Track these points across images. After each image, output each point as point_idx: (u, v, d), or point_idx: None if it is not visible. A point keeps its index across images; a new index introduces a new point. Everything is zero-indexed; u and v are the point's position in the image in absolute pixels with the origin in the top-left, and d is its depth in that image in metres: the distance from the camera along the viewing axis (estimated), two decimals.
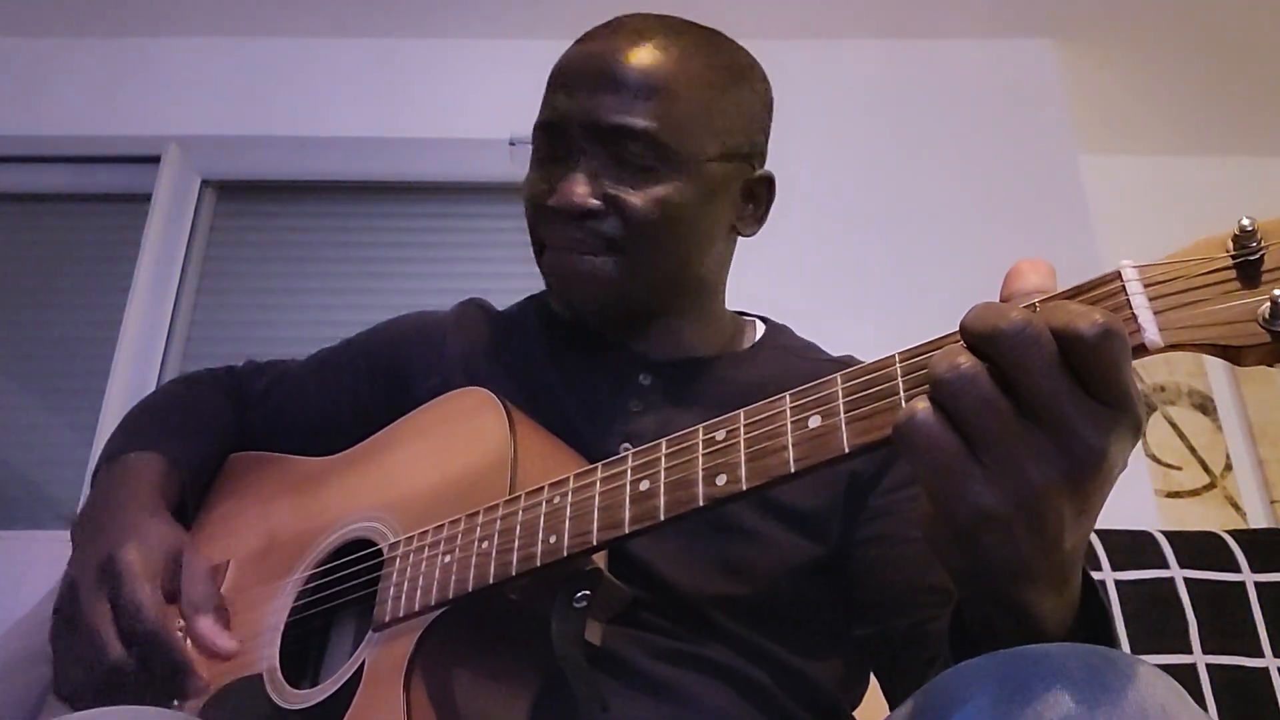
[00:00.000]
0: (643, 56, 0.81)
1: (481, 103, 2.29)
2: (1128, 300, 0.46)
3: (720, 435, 0.58)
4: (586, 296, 0.83)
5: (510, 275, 2.21)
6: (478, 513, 0.69)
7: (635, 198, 0.80)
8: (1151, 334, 0.46)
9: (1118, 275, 0.47)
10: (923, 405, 0.45)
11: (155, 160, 2.29)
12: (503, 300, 1.02)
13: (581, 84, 0.80)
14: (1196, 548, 1.49)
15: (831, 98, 2.32)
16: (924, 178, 2.23)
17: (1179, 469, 2.26)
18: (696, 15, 0.87)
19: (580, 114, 0.80)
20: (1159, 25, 2.28)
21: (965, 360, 0.45)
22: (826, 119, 2.29)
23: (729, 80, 0.85)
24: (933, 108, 2.31)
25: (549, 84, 0.84)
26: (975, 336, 0.45)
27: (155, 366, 2.17)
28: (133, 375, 2.11)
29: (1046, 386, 0.43)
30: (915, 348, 0.51)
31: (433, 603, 0.68)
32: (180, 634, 0.71)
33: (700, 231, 0.85)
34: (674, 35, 0.83)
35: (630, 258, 0.81)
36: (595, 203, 0.79)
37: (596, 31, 0.85)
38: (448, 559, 0.69)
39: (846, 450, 0.51)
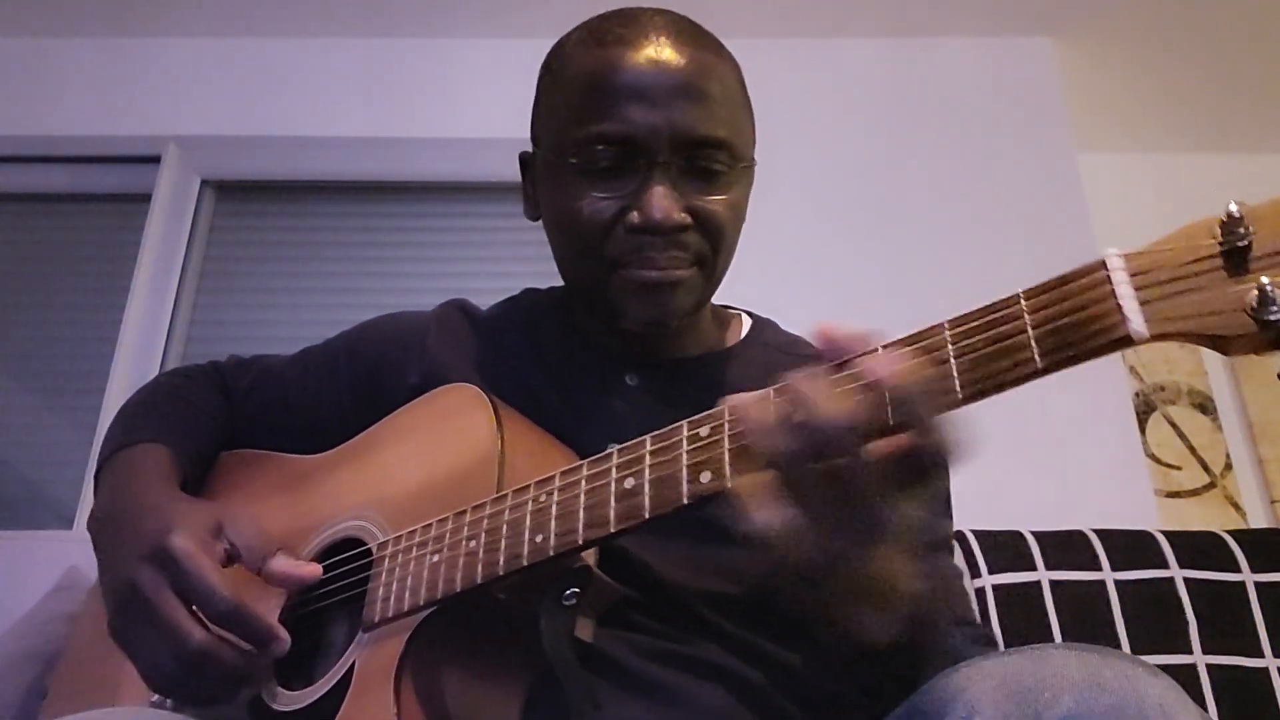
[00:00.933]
0: (700, 62, 0.80)
1: (481, 103, 2.29)
2: (1112, 290, 0.46)
3: (704, 431, 0.58)
4: (673, 312, 0.81)
5: (510, 275, 2.21)
6: (465, 511, 0.69)
7: (715, 206, 0.80)
8: (1136, 324, 0.45)
9: (1102, 265, 0.47)
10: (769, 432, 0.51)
11: (155, 160, 2.29)
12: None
13: (662, 95, 0.78)
14: (1196, 548, 1.49)
15: (832, 97, 2.32)
16: (924, 176, 2.23)
17: (1179, 469, 2.26)
18: (698, 15, 0.87)
19: (670, 127, 0.78)
20: (1159, 25, 2.27)
21: (792, 442, 0.50)
22: (827, 118, 2.29)
23: (740, 75, 0.87)
24: (932, 107, 2.31)
25: (601, 92, 0.79)
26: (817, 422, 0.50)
27: (155, 366, 2.17)
28: (133, 375, 2.11)
29: (857, 466, 0.50)
30: (896, 341, 0.53)
31: (421, 603, 0.68)
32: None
33: (742, 228, 0.87)
34: (699, 33, 0.84)
35: (711, 267, 0.82)
36: (686, 217, 0.79)
37: (628, 33, 0.81)
38: (436, 559, 0.69)
39: None
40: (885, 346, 0.53)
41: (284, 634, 0.71)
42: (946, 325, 0.51)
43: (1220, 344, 0.45)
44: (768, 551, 0.51)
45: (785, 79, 2.29)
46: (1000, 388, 0.49)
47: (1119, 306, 0.46)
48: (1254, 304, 0.43)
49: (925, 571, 0.60)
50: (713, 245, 0.81)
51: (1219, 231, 0.45)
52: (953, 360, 0.50)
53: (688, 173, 0.80)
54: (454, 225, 2.38)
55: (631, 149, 0.78)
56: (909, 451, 0.50)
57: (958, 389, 0.49)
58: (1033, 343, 0.48)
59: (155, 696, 0.73)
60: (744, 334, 0.94)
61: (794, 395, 0.51)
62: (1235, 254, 0.45)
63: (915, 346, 0.52)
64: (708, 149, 0.79)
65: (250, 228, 2.40)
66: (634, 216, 0.78)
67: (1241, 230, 0.44)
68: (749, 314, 0.97)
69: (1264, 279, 0.43)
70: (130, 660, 0.71)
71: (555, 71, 0.86)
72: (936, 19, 2.33)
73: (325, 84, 2.35)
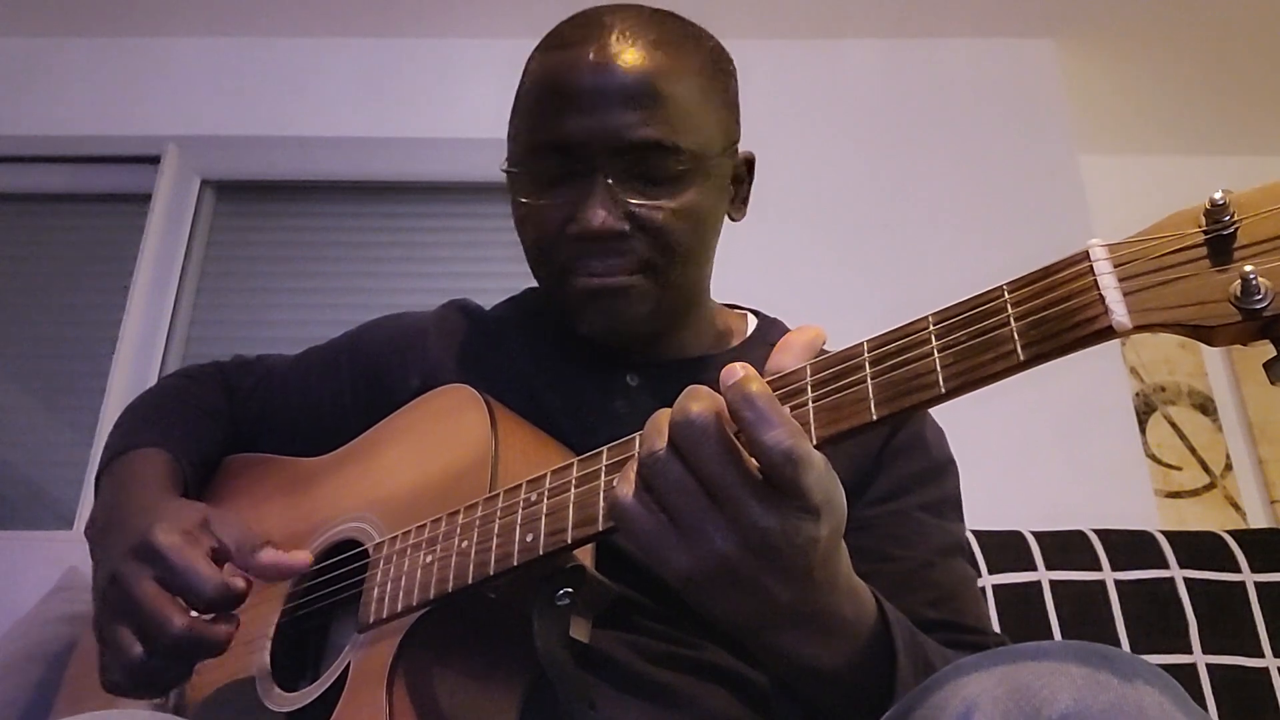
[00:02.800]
0: (647, 61, 0.78)
1: (481, 103, 2.29)
2: (1095, 281, 0.45)
3: None
4: (625, 319, 0.80)
5: (510, 275, 2.20)
6: (458, 511, 0.69)
7: (660, 212, 0.78)
8: (1119, 315, 0.44)
9: (1086, 255, 0.47)
10: (625, 489, 0.53)
11: (155, 160, 2.29)
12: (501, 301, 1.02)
13: (596, 100, 0.76)
14: (1196, 548, 1.49)
15: (831, 98, 2.32)
16: (924, 178, 2.22)
17: (1179, 469, 2.25)
18: (697, 15, 0.87)
19: (604, 133, 0.76)
20: (1159, 25, 2.27)
21: (660, 445, 0.52)
22: (826, 119, 2.29)
23: (715, 68, 0.84)
24: (933, 108, 2.30)
25: (543, 99, 0.79)
26: (669, 423, 0.52)
27: (155, 366, 2.17)
28: (133, 375, 2.11)
29: (713, 473, 0.50)
30: (880, 336, 0.53)
31: (415, 603, 0.68)
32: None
33: (713, 229, 0.85)
34: (659, 29, 0.81)
35: (663, 273, 0.80)
36: (622, 225, 0.77)
37: (577, 35, 0.80)
38: (429, 559, 0.68)
39: (814, 441, 0.52)
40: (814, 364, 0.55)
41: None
42: (930, 318, 0.51)
43: (1204, 334, 0.44)
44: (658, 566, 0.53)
45: (785, 80, 2.29)
46: (983, 381, 0.48)
47: (1101, 297, 0.45)
48: (1238, 293, 0.42)
49: (866, 594, 0.61)
50: (661, 250, 0.79)
51: (1203, 220, 0.44)
52: (936, 354, 0.49)
53: (631, 177, 0.78)
54: (454, 225, 2.38)
55: (567, 157, 0.78)
56: (758, 463, 0.50)
57: (940, 383, 0.49)
58: (1015, 335, 0.47)
59: (158, 699, 0.72)
60: (749, 334, 0.93)
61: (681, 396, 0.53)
62: (1219, 242, 0.44)
63: (900, 341, 0.51)
64: (649, 153, 0.77)
65: (250, 228, 2.40)
66: (572, 226, 0.78)
67: (1226, 219, 0.43)
68: (755, 314, 0.97)
69: (1248, 267, 0.42)
70: (101, 654, 0.71)
71: (520, 82, 0.85)
72: (937, 20, 2.32)
73: (325, 84, 2.35)
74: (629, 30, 0.79)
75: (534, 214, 0.81)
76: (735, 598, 0.53)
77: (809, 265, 2.10)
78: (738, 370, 0.51)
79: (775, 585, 0.53)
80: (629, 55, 0.78)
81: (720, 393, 0.52)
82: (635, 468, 0.54)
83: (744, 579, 0.52)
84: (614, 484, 0.55)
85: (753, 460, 0.51)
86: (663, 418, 0.53)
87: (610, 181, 0.77)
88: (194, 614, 0.68)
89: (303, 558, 0.74)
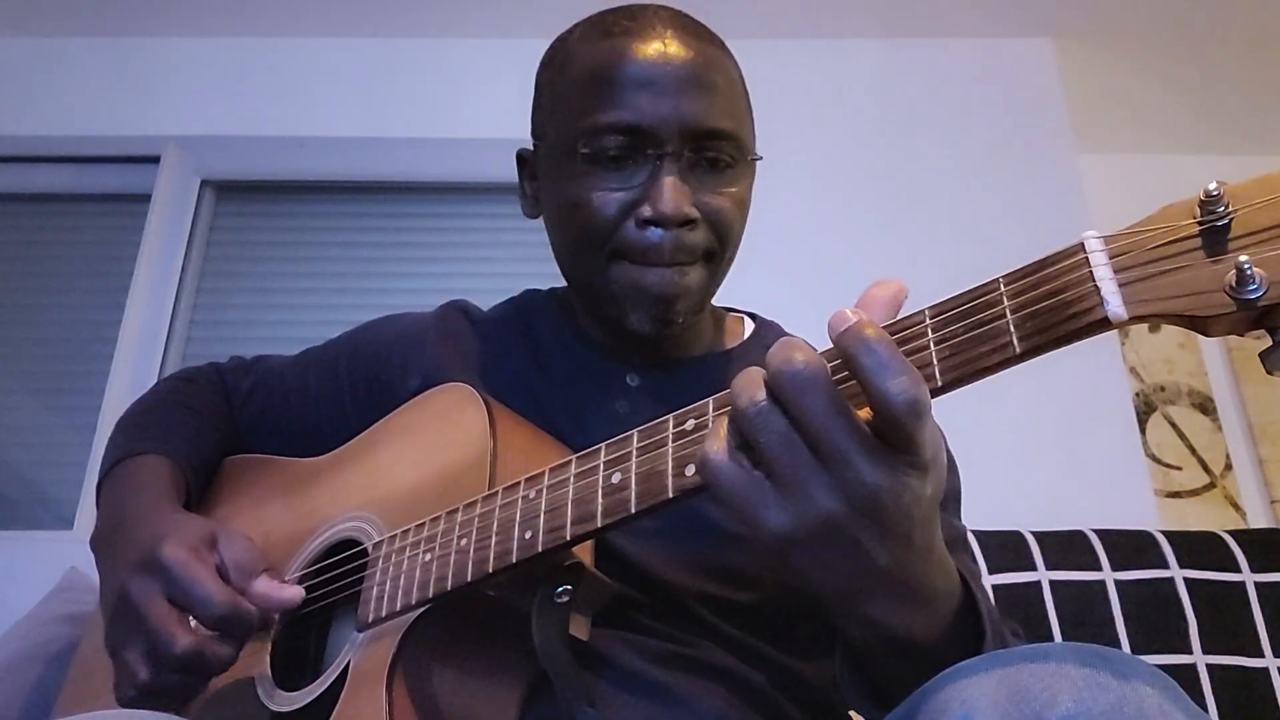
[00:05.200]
0: (709, 54, 0.80)
1: (481, 103, 2.29)
2: (1091, 272, 0.46)
3: (690, 425, 0.57)
4: (678, 309, 0.80)
5: (510, 275, 2.21)
6: (457, 510, 0.69)
7: (722, 201, 0.79)
8: (1115, 306, 0.45)
9: (1081, 247, 0.47)
10: (716, 446, 0.50)
11: (155, 160, 2.30)
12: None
13: (672, 84, 0.77)
14: (1196, 548, 1.49)
15: (832, 98, 2.32)
16: (924, 177, 2.23)
17: (1179, 469, 2.26)
18: (699, 15, 0.87)
19: (679, 117, 0.77)
20: (1158, 25, 2.27)
21: (761, 395, 0.49)
22: (827, 119, 2.29)
23: (741, 70, 0.87)
24: (933, 107, 2.31)
25: (608, 82, 0.78)
26: (768, 373, 0.49)
27: (155, 366, 2.17)
28: (133, 375, 2.11)
29: (820, 426, 0.48)
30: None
31: (414, 602, 0.68)
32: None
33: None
34: (701, 28, 0.84)
35: (716, 264, 0.81)
36: (695, 211, 0.78)
37: (634, 25, 0.81)
38: (428, 557, 0.69)
39: None
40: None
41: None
42: (927, 312, 0.51)
43: (1199, 324, 0.44)
44: (759, 541, 0.50)
45: (785, 80, 2.29)
46: (979, 374, 0.48)
47: (1097, 288, 0.45)
48: (1233, 283, 0.42)
49: (953, 566, 0.58)
50: (720, 240, 0.80)
51: (1198, 211, 0.44)
52: (932, 347, 0.50)
53: (695, 165, 0.79)
54: (454, 225, 2.38)
55: (640, 139, 0.77)
56: (874, 413, 0.48)
57: (937, 376, 0.49)
58: (1011, 327, 0.47)
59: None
60: (746, 335, 0.94)
61: (768, 359, 0.50)
62: (1214, 233, 0.44)
63: (896, 336, 0.51)
64: (716, 140, 0.79)
65: (250, 228, 2.40)
66: (645, 209, 0.77)
67: (1220, 209, 0.44)
68: (752, 316, 0.97)
69: (1242, 258, 0.42)
70: (115, 670, 0.71)
71: (559, 65, 0.85)
72: (937, 20, 2.33)
73: (325, 84, 2.35)
74: (681, 25, 0.82)
75: (596, 196, 0.79)
76: (832, 560, 0.51)
77: (808, 264, 2.10)
78: (849, 315, 0.48)
79: (875, 547, 0.50)
80: (691, 48, 0.80)
81: (831, 341, 0.48)
82: (726, 423, 0.51)
83: (844, 539, 0.49)
84: (702, 440, 0.52)
85: (860, 413, 0.48)
86: (755, 372, 0.50)
87: (679, 167, 0.77)
88: (201, 631, 0.69)
89: (294, 592, 0.74)
